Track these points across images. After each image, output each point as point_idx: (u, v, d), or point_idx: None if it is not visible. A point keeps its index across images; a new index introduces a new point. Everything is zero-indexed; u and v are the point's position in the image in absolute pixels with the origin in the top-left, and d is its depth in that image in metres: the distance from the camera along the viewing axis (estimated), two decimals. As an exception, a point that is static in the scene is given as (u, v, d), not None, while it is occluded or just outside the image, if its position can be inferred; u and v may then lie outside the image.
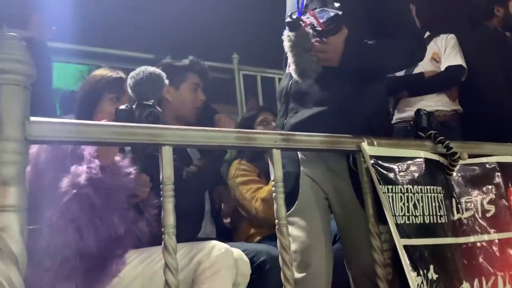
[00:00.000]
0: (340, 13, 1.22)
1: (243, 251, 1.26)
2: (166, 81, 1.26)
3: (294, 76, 1.30)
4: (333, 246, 1.50)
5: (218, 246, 1.17)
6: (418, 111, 1.38)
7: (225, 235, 1.89)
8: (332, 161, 1.34)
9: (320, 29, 1.24)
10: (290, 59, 1.28)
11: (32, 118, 0.83)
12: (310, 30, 1.25)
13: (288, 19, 1.26)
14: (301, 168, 1.39)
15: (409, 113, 2.24)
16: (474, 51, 2.36)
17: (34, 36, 2.13)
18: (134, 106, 1.23)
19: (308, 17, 1.27)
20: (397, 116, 2.38)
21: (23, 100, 0.82)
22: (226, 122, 1.69)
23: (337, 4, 1.26)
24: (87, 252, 1.06)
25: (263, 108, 2.25)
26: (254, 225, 1.84)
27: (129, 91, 1.23)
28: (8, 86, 0.80)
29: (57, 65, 2.87)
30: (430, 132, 1.36)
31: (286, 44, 1.27)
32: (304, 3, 1.42)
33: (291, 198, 1.33)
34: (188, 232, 1.38)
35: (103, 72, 1.47)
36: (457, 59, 2.29)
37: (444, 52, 2.33)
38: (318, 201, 1.37)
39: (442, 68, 2.32)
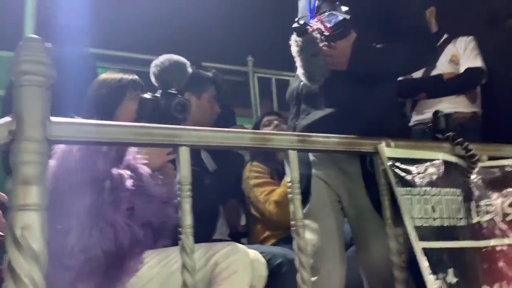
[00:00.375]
0: (348, 17, 1.23)
1: (260, 253, 1.25)
2: (190, 69, 1.27)
3: (303, 79, 1.32)
4: (349, 249, 1.48)
5: (235, 248, 1.17)
6: (436, 113, 1.37)
7: (240, 237, 1.89)
8: (344, 164, 1.34)
9: (327, 33, 1.25)
10: (298, 64, 1.30)
11: (53, 119, 0.84)
12: (318, 35, 1.26)
13: (295, 24, 1.26)
14: (313, 170, 1.39)
15: (427, 114, 2.21)
16: (494, 52, 2.33)
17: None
18: (158, 95, 1.23)
19: (316, 22, 1.28)
20: (415, 118, 2.35)
21: (44, 100, 0.83)
22: None
23: (345, 8, 1.26)
24: (110, 251, 1.08)
25: (266, 112, 2.31)
26: (269, 228, 1.84)
27: (153, 79, 1.24)
28: (30, 87, 0.82)
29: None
30: (448, 134, 1.34)
31: (294, 49, 1.28)
32: (316, 4, 1.42)
33: (302, 200, 1.32)
34: (203, 233, 1.38)
35: (117, 74, 1.47)
36: (476, 61, 2.26)
37: (463, 54, 2.30)
38: (330, 204, 1.36)
39: (461, 70, 2.29)
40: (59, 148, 1.13)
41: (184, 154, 0.94)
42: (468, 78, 2.26)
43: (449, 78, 2.26)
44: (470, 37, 2.36)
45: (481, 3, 2.54)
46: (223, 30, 3.34)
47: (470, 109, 2.27)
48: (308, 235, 1.33)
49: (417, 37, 1.32)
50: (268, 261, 1.29)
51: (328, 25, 1.25)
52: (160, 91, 1.23)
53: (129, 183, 1.14)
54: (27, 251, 0.75)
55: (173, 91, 1.22)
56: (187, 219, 0.92)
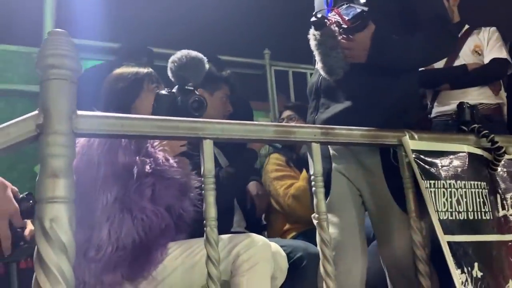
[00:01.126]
0: (366, 9, 1.21)
1: (280, 246, 1.25)
2: (207, 66, 1.26)
3: (322, 73, 1.31)
4: (371, 243, 1.47)
5: (256, 239, 1.17)
6: (461, 105, 1.35)
7: (258, 229, 1.89)
8: (364, 157, 1.32)
9: (346, 26, 1.23)
10: (317, 58, 1.30)
11: (79, 112, 0.85)
12: (336, 28, 1.25)
13: (313, 18, 1.26)
14: (333, 164, 1.38)
15: (452, 106, 2.14)
16: None
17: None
18: (174, 91, 1.23)
19: (334, 15, 1.27)
20: (437, 110, 2.28)
21: (71, 94, 0.84)
22: None
23: (363, 0, 1.24)
24: (138, 242, 1.09)
25: (285, 106, 2.27)
26: (289, 221, 1.84)
27: (170, 75, 1.23)
28: (56, 81, 0.82)
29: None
30: (473, 125, 1.32)
31: (312, 43, 1.28)
32: None
33: None
34: (221, 227, 1.38)
35: (133, 68, 1.46)
36: (502, 52, 2.20)
37: (486, 44, 2.24)
38: (351, 197, 1.35)
39: (486, 60, 2.23)
40: (79, 142, 1.14)
41: (208, 147, 0.94)
42: (494, 69, 2.20)
43: (474, 69, 2.20)
44: (493, 28, 2.29)
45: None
46: (240, 23, 3.32)
47: (495, 100, 2.20)
48: (329, 228, 1.32)
49: (436, 26, 1.30)
50: (288, 255, 1.28)
51: (347, 18, 1.23)
52: (176, 86, 1.23)
53: (148, 167, 1.15)
54: (55, 242, 0.76)
55: (189, 87, 1.22)
56: (212, 212, 0.92)
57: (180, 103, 1.22)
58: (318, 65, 1.32)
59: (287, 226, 1.84)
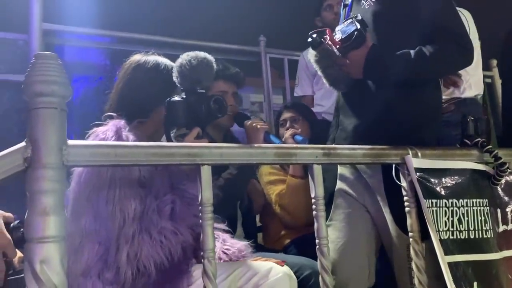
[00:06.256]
0: (358, 27, 1.24)
1: (287, 265, 1.22)
2: (215, 66, 1.17)
3: (327, 85, 1.37)
4: None
5: (275, 270, 1.12)
6: (464, 117, 1.31)
7: (254, 232, 1.87)
8: (367, 176, 1.31)
9: (338, 47, 1.29)
10: (320, 74, 1.36)
11: (69, 142, 0.80)
12: (332, 46, 1.30)
13: (309, 39, 1.31)
14: (339, 183, 1.38)
15: None
16: None
17: None
18: (185, 96, 1.12)
19: (330, 35, 1.31)
20: None
21: (60, 123, 0.79)
22: (256, 131, 1.56)
23: (360, 16, 1.27)
24: (162, 266, 1.03)
25: (285, 106, 2.10)
26: (284, 226, 1.82)
27: (179, 79, 1.11)
28: (45, 109, 0.77)
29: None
30: (477, 139, 1.29)
31: (312, 61, 1.34)
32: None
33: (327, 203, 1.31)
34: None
35: (162, 58, 1.30)
36: None
37: None
38: (357, 214, 1.35)
39: None
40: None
41: (206, 174, 0.90)
42: None
43: None
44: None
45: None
46: (235, 10, 3.23)
47: None
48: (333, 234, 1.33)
49: (445, 39, 1.25)
50: (295, 273, 1.25)
51: (340, 36, 1.27)
52: (183, 91, 1.13)
53: (167, 182, 1.10)
54: (47, 285, 0.72)
55: (202, 90, 1.13)
56: (210, 243, 0.88)
57: (200, 108, 1.11)
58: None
59: (283, 232, 1.81)
